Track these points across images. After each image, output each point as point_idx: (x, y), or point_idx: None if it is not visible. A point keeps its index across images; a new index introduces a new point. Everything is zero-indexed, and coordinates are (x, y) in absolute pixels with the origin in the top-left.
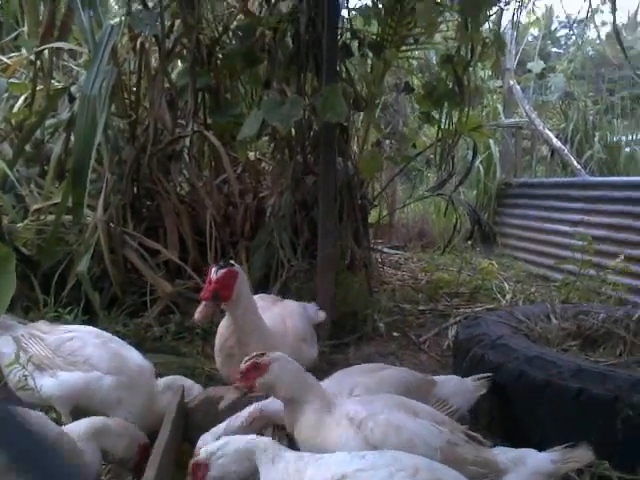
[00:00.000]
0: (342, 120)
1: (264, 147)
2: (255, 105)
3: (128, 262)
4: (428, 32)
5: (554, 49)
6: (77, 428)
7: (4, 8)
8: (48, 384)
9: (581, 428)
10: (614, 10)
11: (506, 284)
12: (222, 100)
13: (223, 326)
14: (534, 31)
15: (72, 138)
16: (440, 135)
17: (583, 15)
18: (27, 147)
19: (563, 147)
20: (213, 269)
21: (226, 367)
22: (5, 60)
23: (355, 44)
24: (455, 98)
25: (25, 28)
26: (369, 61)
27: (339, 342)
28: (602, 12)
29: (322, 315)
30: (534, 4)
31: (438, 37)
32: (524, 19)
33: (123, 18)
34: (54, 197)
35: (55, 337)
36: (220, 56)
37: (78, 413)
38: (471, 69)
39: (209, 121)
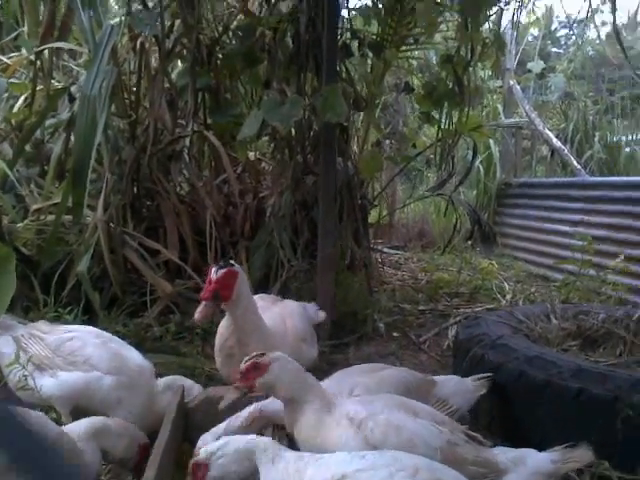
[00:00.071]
0: (342, 120)
1: (264, 147)
2: (255, 105)
3: (128, 262)
4: (428, 32)
5: (554, 49)
6: (77, 428)
7: (4, 8)
8: (48, 384)
9: (581, 428)
10: (614, 10)
11: (506, 284)
12: (222, 100)
13: (223, 326)
14: (534, 31)
15: (72, 138)
16: (440, 135)
17: (583, 15)
18: (27, 147)
19: (563, 147)
20: (213, 269)
21: (226, 367)
22: (5, 60)
23: (355, 44)
24: (455, 98)
25: (25, 28)
26: (369, 61)
27: (339, 342)
28: (602, 12)
29: (322, 315)
30: (534, 4)
31: (438, 37)
32: (524, 19)
33: (123, 18)
34: (54, 197)
35: (55, 337)
36: (220, 56)
37: (78, 413)
38: (471, 69)
39: (209, 121)
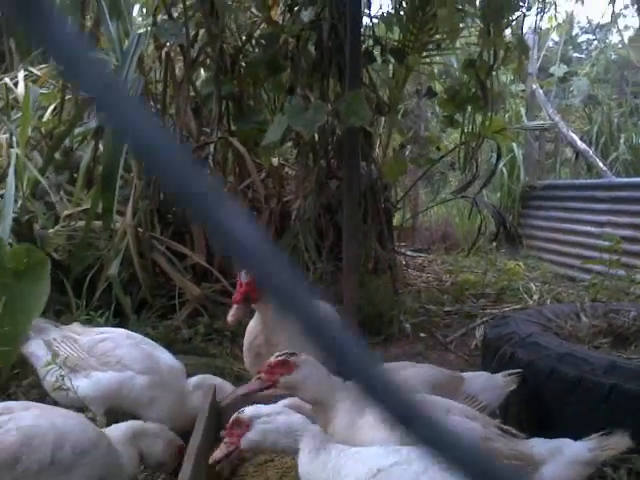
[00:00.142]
0: (366, 124)
1: (287, 153)
2: (278, 112)
3: (156, 266)
4: (450, 38)
5: (575, 54)
6: (117, 431)
7: None
8: (82, 385)
9: (613, 424)
10: None
11: (533, 285)
12: (245, 107)
13: (252, 325)
14: (555, 37)
15: (100, 146)
16: (464, 138)
17: (605, 20)
18: (57, 155)
19: (588, 149)
20: (243, 272)
21: (255, 366)
22: (35, 72)
23: (377, 50)
24: (478, 102)
25: None
26: (391, 67)
27: (366, 343)
28: (625, 16)
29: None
30: (556, 10)
31: (460, 42)
32: (545, 24)
33: (149, 28)
34: (84, 203)
35: (88, 338)
36: (244, 64)
37: (112, 413)
38: (494, 73)
39: (233, 128)
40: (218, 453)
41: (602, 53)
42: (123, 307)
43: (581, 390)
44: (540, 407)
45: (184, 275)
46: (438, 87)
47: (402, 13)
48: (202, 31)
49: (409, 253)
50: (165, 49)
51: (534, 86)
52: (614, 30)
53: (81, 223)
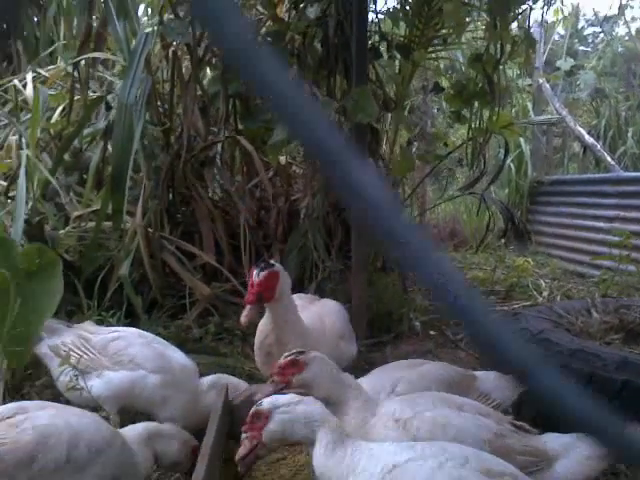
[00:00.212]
0: (373, 121)
1: (295, 151)
2: None
3: (167, 266)
4: (457, 32)
5: (581, 47)
6: (132, 431)
7: (41, 24)
8: (95, 384)
9: (626, 420)
10: None
11: (542, 281)
12: (252, 106)
13: (263, 324)
14: (560, 30)
15: (109, 146)
16: (471, 134)
17: (611, 12)
18: (66, 156)
19: (596, 143)
20: (254, 272)
21: (266, 365)
22: (43, 73)
23: (383, 46)
24: (485, 96)
25: (61, 42)
26: (397, 62)
27: (376, 341)
28: (632, 8)
29: None
30: (562, 3)
31: (465, 37)
32: (551, 18)
33: (155, 28)
34: (94, 204)
35: (100, 337)
36: None
37: (125, 412)
38: (500, 67)
39: (240, 127)
40: (242, 450)
41: (609, 46)
42: (134, 307)
43: (593, 386)
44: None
45: (194, 275)
46: (444, 82)
47: (408, 8)
48: None
49: None
50: (172, 48)
51: (541, 80)
52: (621, 22)
53: (91, 224)
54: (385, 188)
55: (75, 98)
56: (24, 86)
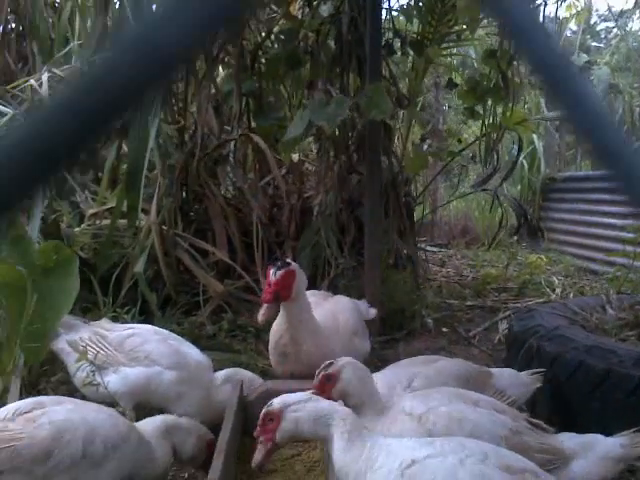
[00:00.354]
0: (387, 117)
1: (307, 149)
2: (297, 108)
3: (180, 263)
4: (470, 28)
5: (594, 43)
6: (150, 425)
7: (55, 25)
8: (112, 380)
9: None
10: None
11: (555, 278)
12: (265, 104)
13: (277, 324)
14: (572, 26)
15: (124, 145)
16: (485, 130)
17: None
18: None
19: None
20: (271, 270)
21: (280, 366)
22: (58, 73)
23: (396, 43)
24: (499, 93)
25: (75, 41)
26: (410, 59)
27: (389, 338)
28: None
29: (373, 312)
30: None
31: (478, 33)
32: (563, 13)
33: None
34: (108, 202)
35: (116, 334)
36: (263, 61)
37: (141, 408)
38: (514, 63)
39: (253, 125)
40: (258, 456)
41: (623, 40)
42: (149, 304)
43: (609, 382)
44: (569, 401)
45: (207, 272)
46: (457, 79)
47: (421, 5)
48: None
49: (428, 248)
50: None
51: None
52: (635, 17)
53: (106, 221)
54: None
55: None
56: (40, 85)
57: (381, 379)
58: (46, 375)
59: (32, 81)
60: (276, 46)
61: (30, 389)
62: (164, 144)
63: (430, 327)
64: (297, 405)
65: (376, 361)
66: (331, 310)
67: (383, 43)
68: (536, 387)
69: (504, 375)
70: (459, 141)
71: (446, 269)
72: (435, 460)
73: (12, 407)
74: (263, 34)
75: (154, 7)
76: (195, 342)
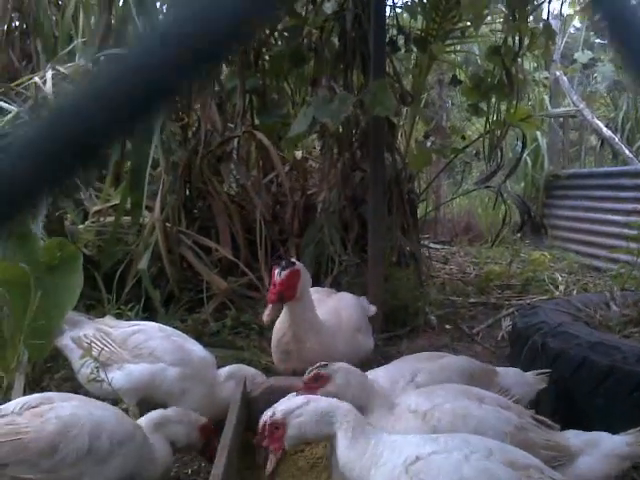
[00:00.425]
0: (391, 114)
1: (311, 146)
2: (301, 105)
3: (184, 260)
4: (475, 25)
5: (597, 40)
6: (142, 425)
7: (59, 23)
8: (116, 376)
9: None
10: None
11: (558, 275)
12: (269, 101)
13: (280, 322)
14: (576, 23)
15: (128, 142)
16: (488, 127)
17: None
18: None
19: (614, 136)
20: (276, 270)
21: (283, 363)
22: (62, 70)
23: (401, 39)
24: (504, 89)
25: (79, 39)
26: (413, 56)
27: (392, 335)
28: None
29: (373, 309)
30: None
31: (482, 30)
32: (567, 10)
33: None
34: (112, 199)
35: (120, 331)
36: (267, 57)
37: (144, 404)
38: (519, 60)
39: (256, 122)
40: (270, 466)
41: None
42: (152, 301)
43: (613, 379)
44: (573, 398)
45: (211, 269)
46: (461, 75)
47: (425, 1)
48: None
49: (432, 246)
50: None
51: (558, 73)
52: None
53: (110, 219)
54: None
55: None
56: (44, 83)
57: (384, 373)
58: (50, 372)
59: (36, 79)
60: (280, 43)
61: (34, 386)
62: (168, 141)
63: (433, 324)
64: (299, 410)
65: (379, 358)
66: (334, 307)
67: (387, 40)
68: (541, 387)
69: (509, 374)
70: (463, 138)
71: (449, 266)
72: (440, 456)
73: (20, 401)
74: (267, 31)
75: (157, 3)
76: (198, 339)
